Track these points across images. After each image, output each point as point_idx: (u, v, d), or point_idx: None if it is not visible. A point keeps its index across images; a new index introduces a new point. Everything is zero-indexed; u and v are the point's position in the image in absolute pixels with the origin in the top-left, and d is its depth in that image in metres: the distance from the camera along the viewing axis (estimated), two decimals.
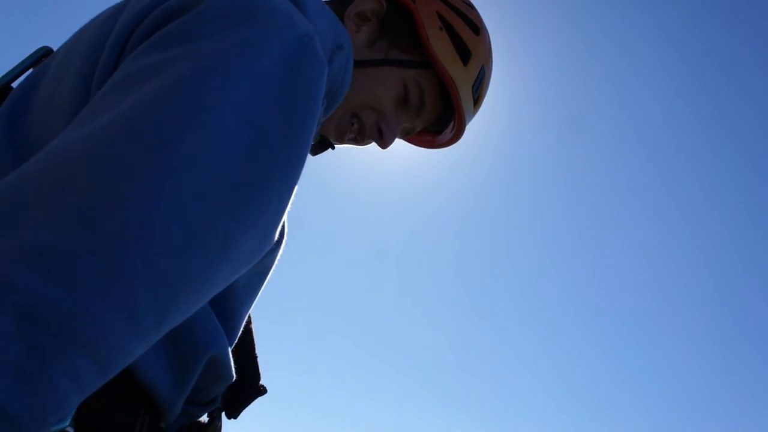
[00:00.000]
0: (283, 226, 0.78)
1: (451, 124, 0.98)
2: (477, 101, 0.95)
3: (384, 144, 0.91)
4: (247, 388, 0.79)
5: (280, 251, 0.77)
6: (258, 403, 0.81)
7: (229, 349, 0.72)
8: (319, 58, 0.62)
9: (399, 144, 1.05)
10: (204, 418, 0.78)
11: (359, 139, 0.92)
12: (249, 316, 0.81)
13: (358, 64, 0.85)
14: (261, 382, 0.80)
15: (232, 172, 0.52)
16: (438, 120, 0.96)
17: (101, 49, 0.64)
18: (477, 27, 0.94)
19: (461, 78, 0.90)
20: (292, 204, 0.63)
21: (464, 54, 0.90)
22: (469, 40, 0.91)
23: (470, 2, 0.97)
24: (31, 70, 0.77)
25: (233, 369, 0.73)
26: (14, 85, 0.77)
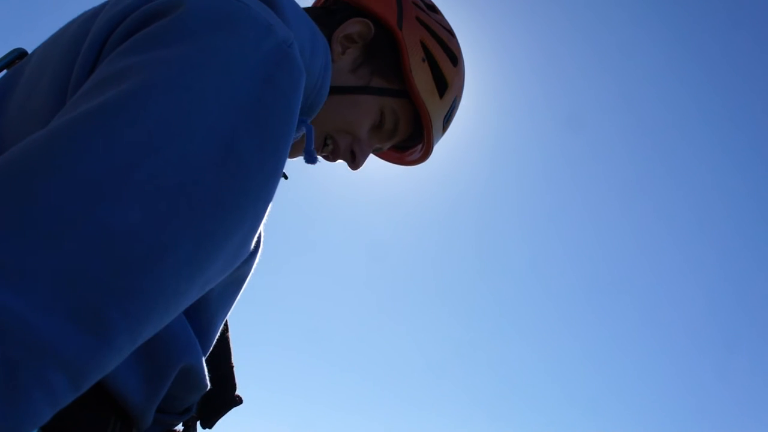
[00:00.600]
0: (260, 235, 0.77)
1: (420, 146, 0.99)
2: (445, 129, 0.97)
3: (355, 166, 0.92)
4: (222, 398, 0.78)
5: (257, 260, 0.77)
6: (235, 412, 0.80)
7: (203, 359, 0.71)
8: (297, 66, 0.61)
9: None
10: (179, 427, 0.77)
11: (331, 159, 0.93)
12: (226, 324, 0.81)
13: (340, 90, 0.86)
14: (237, 393, 0.79)
15: (204, 185, 0.51)
16: (406, 139, 0.97)
17: (77, 52, 0.63)
18: (456, 58, 0.94)
19: (435, 110, 0.92)
20: (270, 211, 0.62)
21: (441, 86, 0.92)
22: (448, 72, 0.92)
23: (451, 29, 0.97)
24: (4, 72, 0.76)
25: (207, 378, 0.73)
26: None
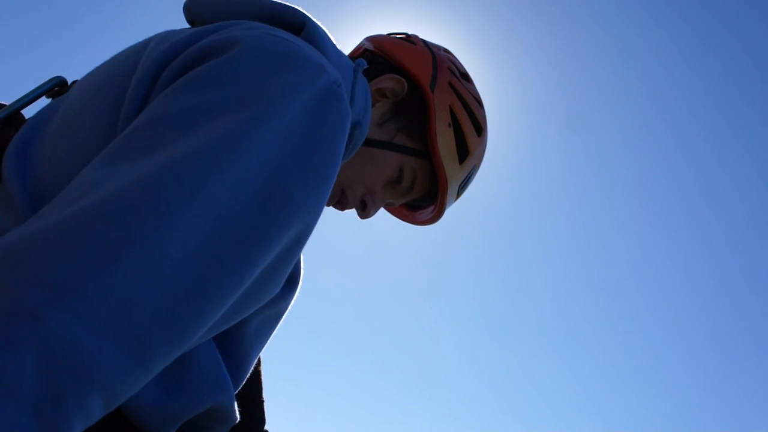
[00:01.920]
0: (298, 271, 0.77)
1: (431, 208, 1.00)
2: (459, 194, 0.98)
3: (365, 215, 0.93)
4: None
5: (295, 296, 0.77)
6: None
7: (234, 395, 0.71)
8: (344, 106, 0.63)
9: None
10: None
11: (339, 208, 0.94)
12: (259, 359, 0.80)
13: (365, 141, 0.86)
14: (266, 428, 0.79)
15: (251, 216, 0.53)
16: (419, 199, 0.98)
17: (126, 87, 0.64)
18: (481, 128, 0.96)
19: (453, 175, 0.93)
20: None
21: (462, 153, 0.93)
22: (471, 141, 0.94)
23: (480, 100, 0.98)
24: (43, 99, 0.76)
25: (237, 412, 0.72)
26: (24, 112, 0.76)
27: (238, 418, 0.73)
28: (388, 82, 0.89)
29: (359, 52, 1.00)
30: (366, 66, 0.81)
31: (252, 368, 0.76)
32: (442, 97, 0.91)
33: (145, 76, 0.63)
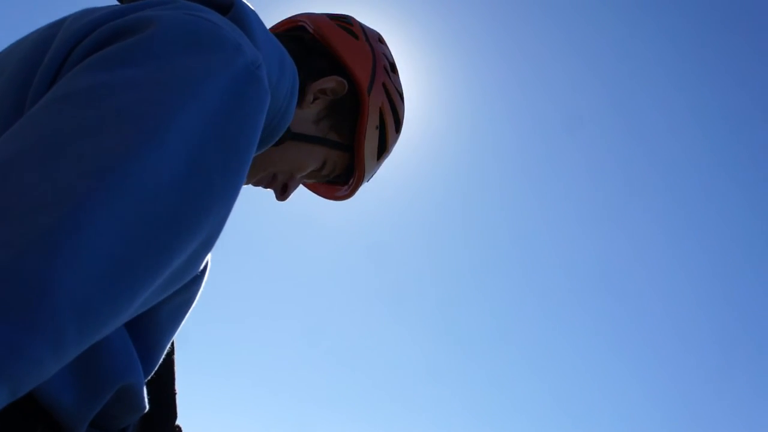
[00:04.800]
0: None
1: (344, 187, 1.05)
2: (369, 180, 1.04)
3: (283, 198, 0.98)
4: (160, 427, 0.75)
5: (205, 279, 0.76)
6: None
7: (144, 380, 0.68)
8: (263, 87, 0.63)
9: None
10: None
11: (263, 186, 0.98)
12: (172, 344, 0.78)
13: (301, 137, 0.91)
14: (177, 423, 0.75)
15: (169, 199, 0.52)
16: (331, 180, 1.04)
17: (37, 64, 0.63)
18: (400, 124, 1.01)
19: (371, 169, 1.00)
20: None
21: (381, 150, 0.99)
22: (391, 139, 1.00)
23: (402, 93, 1.03)
24: None
25: (146, 400, 0.70)
26: None
27: (147, 407, 0.70)
28: (330, 83, 0.92)
29: (294, 26, 0.99)
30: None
31: (163, 357, 0.73)
32: (376, 99, 0.95)
33: (58, 53, 0.62)
